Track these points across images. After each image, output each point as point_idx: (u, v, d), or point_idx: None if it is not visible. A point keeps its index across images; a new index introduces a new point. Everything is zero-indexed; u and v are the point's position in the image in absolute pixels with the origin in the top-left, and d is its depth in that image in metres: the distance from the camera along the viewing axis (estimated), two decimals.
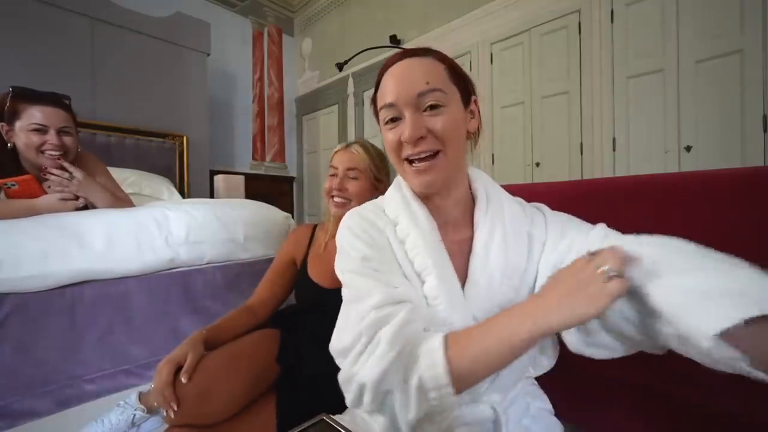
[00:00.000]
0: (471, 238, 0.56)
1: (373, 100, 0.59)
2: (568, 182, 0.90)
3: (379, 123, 0.58)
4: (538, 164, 2.47)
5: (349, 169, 0.97)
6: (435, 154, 0.52)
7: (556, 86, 2.36)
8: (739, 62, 1.76)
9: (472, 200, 0.60)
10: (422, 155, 0.51)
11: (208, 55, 3.00)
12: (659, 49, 1.98)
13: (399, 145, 0.53)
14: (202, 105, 2.96)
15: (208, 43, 2.97)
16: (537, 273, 0.55)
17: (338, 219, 0.99)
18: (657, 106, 1.99)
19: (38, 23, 2.18)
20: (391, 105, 0.52)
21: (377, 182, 0.99)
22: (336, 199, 0.97)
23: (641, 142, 2.05)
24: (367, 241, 0.54)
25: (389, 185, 0.96)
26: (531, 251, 0.55)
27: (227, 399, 0.74)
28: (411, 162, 0.53)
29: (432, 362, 0.41)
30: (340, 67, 3.23)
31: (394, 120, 0.53)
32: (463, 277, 0.54)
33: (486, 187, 0.59)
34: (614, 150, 2.13)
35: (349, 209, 0.94)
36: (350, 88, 3.78)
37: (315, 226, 1.11)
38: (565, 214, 0.59)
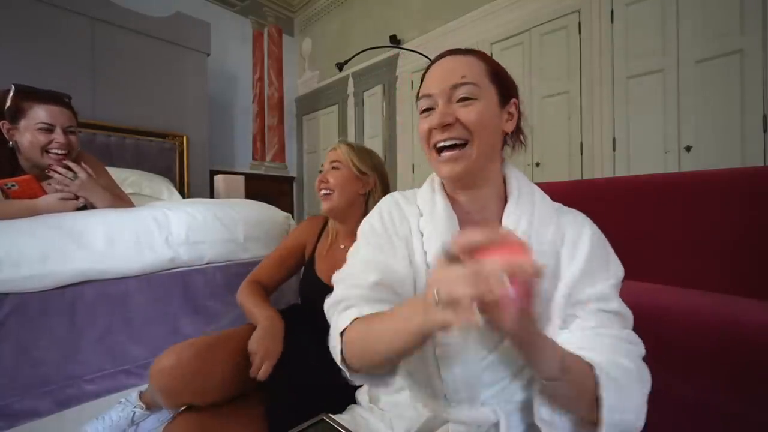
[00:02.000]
0: None
1: (417, 95, 0.61)
2: (568, 182, 0.90)
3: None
4: (538, 164, 2.47)
5: (331, 162, 1.00)
6: (463, 145, 0.52)
7: (556, 86, 2.36)
8: (739, 62, 1.76)
9: (504, 198, 0.58)
10: (449, 143, 0.53)
11: (208, 55, 3.00)
12: (659, 49, 1.98)
13: (429, 133, 0.54)
14: (202, 105, 2.96)
15: (208, 43, 2.98)
16: (554, 293, 0.51)
17: (335, 219, 1.01)
18: (657, 106, 1.99)
19: (38, 23, 2.18)
20: (427, 96, 0.55)
21: (360, 174, 0.99)
22: (322, 192, 0.99)
23: (641, 142, 2.05)
24: (385, 221, 0.59)
25: (378, 181, 1.00)
26: (554, 270, 0.52)
27: (221, 378, 0.78)
28: (440, 151, 0.54)
29: (333, 342, 0.50)
30: (340, 67, 3.23)
31: (428, 110, 0.55)
32: None
33: (520, 188, 0.57)
34: (614, 150, 2.13)
35: (331, 202, 0.97)
36: (350, 88, 3.78)
37: (327, 220, 1.09)
38: (603, 246, 0.55)
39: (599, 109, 2.18)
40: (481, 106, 0.52)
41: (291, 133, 4.41)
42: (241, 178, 2.99)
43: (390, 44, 3.19)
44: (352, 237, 0.97)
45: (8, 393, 0.96)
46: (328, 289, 0.91)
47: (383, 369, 0.49)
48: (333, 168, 0.99)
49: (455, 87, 0.52)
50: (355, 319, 0.49)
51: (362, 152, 1.02)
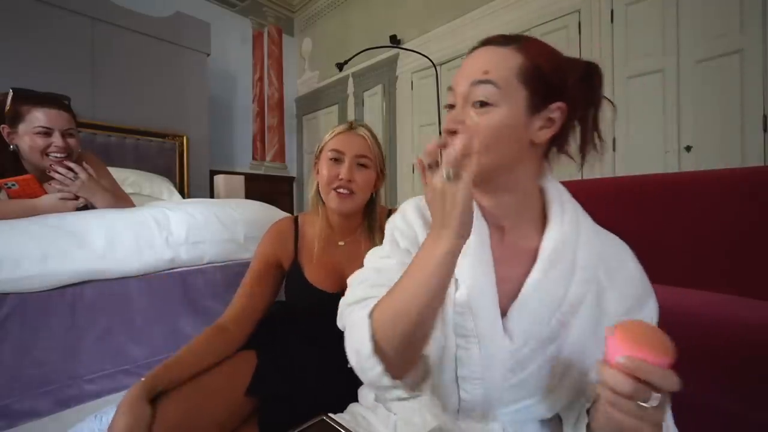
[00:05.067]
0: (533, 250, 0.51)
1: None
2: (568, 182, 0.90)
3: None
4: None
5: (358, 156, 0.84)
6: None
7: None
8: (739, 62, 1.76)
9: (543, 212, 0.54)
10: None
11: (208, 55, 3.00)
12: (659, 49, 1.98)
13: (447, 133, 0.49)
14: (202, 105, 2.96)
15: (208, 43, 2.97)
16: (597, 325, 0.49)
17: (340, 216, 0.88)
18: (657, 106, 1.99)
19: (38, 23, 2.18)
20: (450, 89, 0.50)
21: (382, 174, 0.89)
22: (341, 191, 0.83)
23: (641, 142, 2.05)
24: (405, 234, 0.55)
25: (383, 167, 0.89)
26: (596, 299, 0.49)
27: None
28: None
29: (359, 332, 0.44)
30: (340, 67, 3.23)
31: (450, 106, 0.50)
32: (515, 289, 0.49)
33: (563, 205, 0.53)
34: (614, 150, 2.13)
35: (353, 204, 0.83)
36: (350, 88, 3.78)
37: (296, 219, 0.95)
38: (646, 279, 0.52)
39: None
40: (498, 114, 0.45)
41: (291, 133, 4.41)
42: (241, 178, 2.99)
43: (390, 44, 3.19)
44: (351, 234, 0.92)
45: (8, 393, 0.96)
46: (325, 295, 0.83)
47: (418, 341, 0.44)
48: (361, 165, 0.84)
49: (474, 84, 0.47)
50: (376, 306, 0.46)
51: (379, 145, 0.89)
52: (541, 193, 0.54)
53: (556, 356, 0.48)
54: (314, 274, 0.86)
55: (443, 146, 0.42)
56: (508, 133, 0.46)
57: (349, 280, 0.55)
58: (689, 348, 0.67)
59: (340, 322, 0.53)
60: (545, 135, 0.49)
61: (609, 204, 1.14)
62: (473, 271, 0.49)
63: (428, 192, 0.43)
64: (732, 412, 0.63)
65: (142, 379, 0.64)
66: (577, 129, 0.53)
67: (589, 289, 0.49)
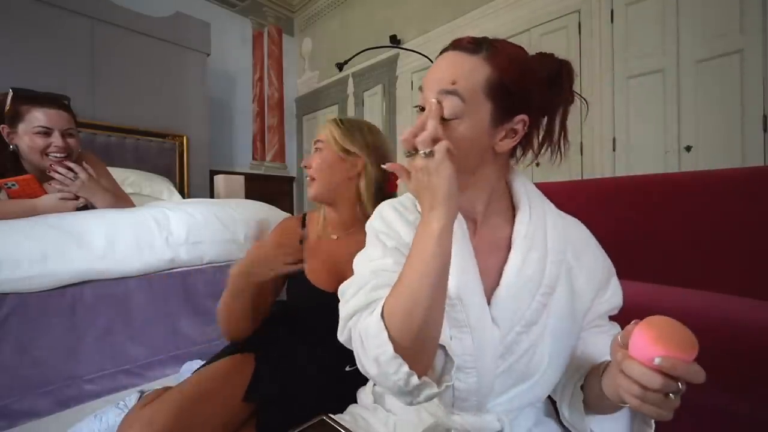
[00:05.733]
0: (506, 239, 0.53)
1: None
2: (568, 182, 0.90)
3: None
4: (538, 164, 2.45)
5: (315, 141, 0.89)
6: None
7: None
8: (739, 62, 1.76)
9: (510, 203, 0.57)
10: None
11: (208, 55, 3.00)
12: (659, 49, 1.98)
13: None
14: (202, 105, 2.96)
15: (208, 43, 2.97)
16: (571, 306, 0.52)
17: (322, 205, 0.91)
18: (657, 106, 1.99)
19: (38, 23, 2.18)
20: (420, 90, 0.52)
21: (345, 153, 0.86)
22: (308, 178, 0.89)
23: (641, 142, 2.05)
24: (390, 235, 0.55)
25: (369, 162, 0.86)
26: (566, 282, 0.52)
27: None
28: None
29: (374, 333, 0.43)
30: (340, 67, 3.23)
31: (422, 109, 0.51)
32: (494, 277, 0.51)
33: (529, 195, 0.56)
34: (614, 150, 2.13)
35: (315, 189, 0.86)
36: (350, 88, 3.77)
37: (304, 217, 0.97)
38: (606, 256, 0.56)
39: (599, 109, 2.18)
40: (461, 127, 0.47)
41: (291, 133, 4.41)
42: (241, 178, 2.99)
43: (390, 44, 3.19)
44: (344, 227, 0.91)
45: (8, 393, 0.96)
46: (318, 291, 0.83)
47: (433, 328, 0.44)
48: (316, 149, 0.88)
49: (441, 93, 0.47)
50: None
51: (351, 129, 0.88)
52: (508, 186, 0.58)
53: (540, 338, 0.51)
54: (310, 267, 0.87)
55: (416, 135, 0.46)
56: (469, 145, 0.48)
57: (341, 290, 0.53)
58: None
59: (342, 336, 0.51)
60: (507, 145, 0.51)
61: (609, 204, 1.14)
62: (459, 263, 0.49)
63: (413, 180, 0.46)
64: (732, 412, 0.63)
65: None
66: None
67: (560, 269, 0.52)
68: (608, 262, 0.56)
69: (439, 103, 0.47)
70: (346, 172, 0.87)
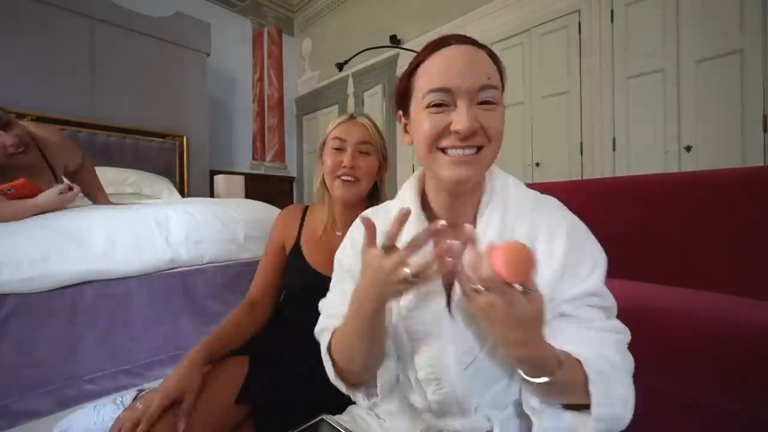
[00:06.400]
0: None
1: (402, 82, 0.54)
2: (568, 182, 0.90)
3: (398, 102, 0.55)
4: (538, 164, 2.46)
5: (360, 142, 0.85)
6: (478, 150, 0.48)
7: (556, 86, 2.36)
8: (739, 62, 1.76)
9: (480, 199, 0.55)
10: (467, 152, 0.48)
11: (208, 55, 3.00)
12: (659, 49, 1.98)
13: (440, 133, 0.48)
14: (202, 105, 2.96)
15: (208, 43, 2.98)
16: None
17: (344, 203, 0.88)
18: (657, 106, 1.99)
19: (38, 23, 2.18)
20: (446, 90, 0.47)
21: (385, 163, 0.89)
22: (345, 178, 0.84)
23: (641, 142, 2.05)
24: (356, 256, 0.57)
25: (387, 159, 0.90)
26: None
27: None
28: (445, 151, 0.48)
29: (326, 362, 0.57)
30: (340, 67, 3.23)
31: (440, 106, 0.47)
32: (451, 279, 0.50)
33: (492, 183, 0.55)
34: (614, 150, 2.13)
35: (357, 191, 0.84)
36: (350, 88, 3.78)
37: (305, 208, 0.98)
38: (583, 241, 0.52)
39: (599, 109, 2.18)
40: (501, 112, 0.49)
41: (291, 133, 4.41)
42: (241, 178, 2.99)
43: (390, 44, 3.19)
44: (349, 224, 0.93)
45: (8, 393, 0.96)
46: (323, 277, 0.82)
47: (371, 368, 0.54)
48: (363, 153, 0.85)
49: (482, 89, 0.47)
50: (334, 332, 0.56)
51: (381, 133, 0.90)
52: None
53: None
54: (314, 255, 0.88)
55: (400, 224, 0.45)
56: (503, 128, 0.50)
57: (320, 305, 0.63)
58: (689, 348, 0.67)
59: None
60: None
61: (609, 204, 1.14)
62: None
63: (370, 260, 0.46)
64: (732, 412, 0.63)
65: (197, 347, 0.71)
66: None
67: None
68: (589, 245, 0.52)
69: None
70: (379, 177, 0.91)
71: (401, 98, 0.55)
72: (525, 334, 0.41)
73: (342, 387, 0.54)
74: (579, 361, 0.44)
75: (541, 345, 0.42)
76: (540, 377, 0.43)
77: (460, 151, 0.47)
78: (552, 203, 0.56)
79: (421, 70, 0.50)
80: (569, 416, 0.46)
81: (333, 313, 0.58)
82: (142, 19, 2.61)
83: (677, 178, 1.13)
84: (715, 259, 0.95)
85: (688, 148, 1.90)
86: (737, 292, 0.78)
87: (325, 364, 0.57)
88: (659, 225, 1.05)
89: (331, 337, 0.56)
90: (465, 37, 0.50)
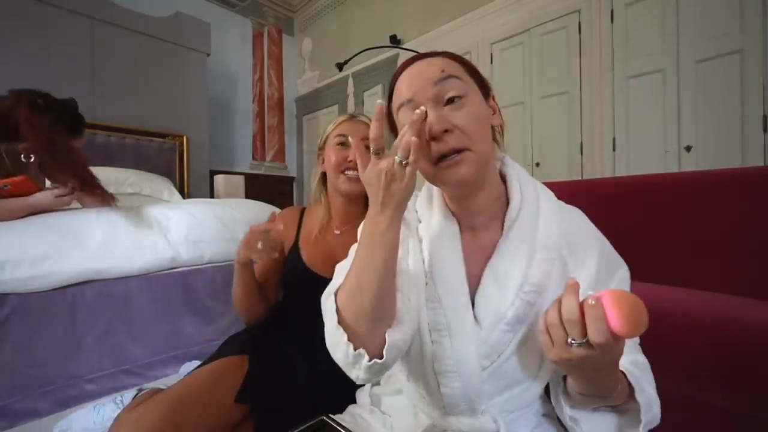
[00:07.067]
0: (498, 242, 0.52)
1: (388, 114, 0.54)
2: (568, 182, 0.90)
3: (392, 131, 0.56)
4: (538, 164, 2.46)
5: (364, 139, 0.85)
6: (460, 152, 0.47)
7: (556, 86, 2.36)
8: (739, 62, 1.76)
9: (507, 201, 0.55)
10: (452, 157, 0.47)
11: (208, 55, 3.00)
12: (659, 49, 1.98)
13: (425, 143, 0.48)
14: (202, 105, 2.96)
15: (208, 43, 2.98)
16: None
17: (349, 198, 0.89)
18: (657, 106, 1.99)
19: (38, 23, 2.18)
20: (408, 101, 0.49)
21: None
22: (349, 173, 0.86)
23: (641, 142, 2.05)
24: None
25: None
26: (561, 274, 0.50)
27: None
28: (437, 161, 0.48)
29: (328, 313, 0.48)
30: (340, 67, 3.23)
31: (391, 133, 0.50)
32: (477, 282, 0.51)
33: (522, 187, 0.55)
34: (614, 150, 2.13)
35: (363, 186, 0.87)
36: (350, 88, 3.77)
37: (303, 210, 1.00)
38: (611, 251, 0.54)
39: (599, 109, 2.18)
40: (471, 105, 0.48)
41: (291, 133, 4.41)
42: (241, 178, 2.99)
43: (390, 44, 3.19)
44: (349, 221, 0.92)
45: (9, 393, 0.96)
46: (319, 278, 0.85)
47: (376, 312, 0.45)
48: (367, 148, 0.90)
49: (437, 83, 0.47)
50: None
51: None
52: (502, 178, 0.57)
53: (528, 338, 0.49)
54: (311, 256, 0.89)
55: (379, 136, 0.45)
56: (483, 121, 0.50)
57: (336, 269, 0.58)
58: (689, 348, 0.67)
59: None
60: (497, 120, 0.54)
61: (609, 204, 1.14)
62: (444, 268, 0.51)
63: (370, 174, 0.45)
64: (732, 412, 0.63)
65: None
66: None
67: (553, 267, 0.50)
68: (614, 255, 0.53)
69: (425, 112, 0.46)
70: None
71: (392, 127, 0.56)
72: (608, 375, 0.41)
73: (343, 338, 0.44)
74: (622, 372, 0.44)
75: (615, 380, 0.42)
76: (595, 397, 0.44)
77: (447, 160, 0.48)
78: (576, 211, 0.58)
79: (394, 96, 0.53)
80: (612, 424, 0.46)
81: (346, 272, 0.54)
82: (142, 19, 2.61)
83: (677, 178, 1.14)
84: (715, 259, 0.95)
85: (688, 148, 1.89)
86: (737, 292, 0.78)
87: (326, 310, 0.49)
88: (659, 225, 1.05)
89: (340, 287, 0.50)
90: (419, 54, 0.53)
